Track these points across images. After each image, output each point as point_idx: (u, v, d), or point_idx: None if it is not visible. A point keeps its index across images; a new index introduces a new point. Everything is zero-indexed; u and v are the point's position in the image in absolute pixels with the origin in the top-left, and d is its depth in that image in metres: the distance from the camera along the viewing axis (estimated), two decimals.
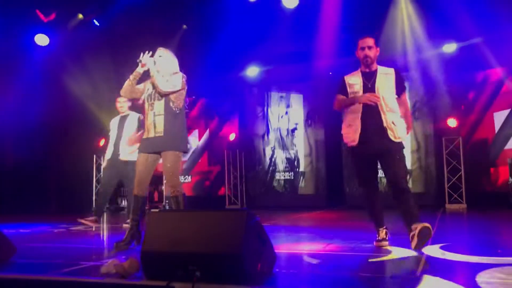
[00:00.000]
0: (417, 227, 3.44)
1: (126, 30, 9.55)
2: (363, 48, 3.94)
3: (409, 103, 3.97)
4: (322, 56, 8.59)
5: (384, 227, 3.93)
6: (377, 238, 3.89)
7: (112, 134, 5.90)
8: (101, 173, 10.63)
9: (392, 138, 3.76)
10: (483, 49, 8.10)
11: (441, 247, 3.63)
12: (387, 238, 3.88)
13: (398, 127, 3.80)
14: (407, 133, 3.95)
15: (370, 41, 3.96)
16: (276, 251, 2.92)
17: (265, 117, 10.26)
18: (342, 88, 4.05)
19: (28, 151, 9.05)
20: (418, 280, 2.60)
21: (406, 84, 4.21)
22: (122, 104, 5.93)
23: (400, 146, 3.82)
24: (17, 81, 4.54)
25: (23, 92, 4.92)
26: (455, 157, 8.38)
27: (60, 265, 3.25)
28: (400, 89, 3.94)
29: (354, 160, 4.02)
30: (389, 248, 3.71)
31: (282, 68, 9.56)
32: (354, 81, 3.98)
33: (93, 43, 9.51)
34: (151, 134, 3.95)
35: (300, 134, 9.90)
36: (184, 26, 10.14)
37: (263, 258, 2.65)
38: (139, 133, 5.57)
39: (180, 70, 4.14)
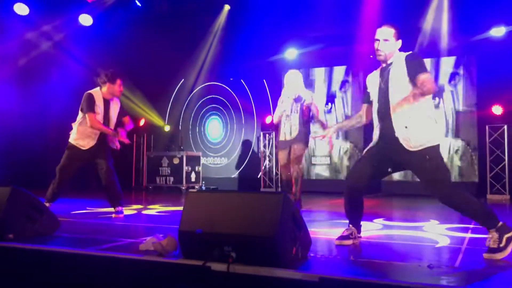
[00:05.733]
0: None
1: (168, 12, 9.63)
2: (376, 40, 3.18)
3: (432, 83, 2.97)
4: (363, 39, 8.38)
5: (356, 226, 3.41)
6: (343, 234, 3.37)
7: None
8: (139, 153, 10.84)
9: (406, 147, 3.01)
10: None
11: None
12: (352, 236, 3.34)
13: (412, 131, 3.01)
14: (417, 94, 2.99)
15: (387, 32, 3.16)
16: (311, 236, 2.92)
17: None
18: (366, 92, 3.43)
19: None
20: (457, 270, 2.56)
21: (422, 63, 3.07)
22: None
23: (420, 155, 2.99)
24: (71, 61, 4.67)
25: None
26: (499, 146, 8.09)
27: (100, 240, 3.35)
28: (413, 72, 3.01)
29: (365, 155, 3.33)
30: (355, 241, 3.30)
31: (321, 50, 9.37)
32: (372, 82, 3.33)
33: (134, 24, 9.63)
34: (288, 137, 5.64)
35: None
36: (227, 6, 10.01)
37: (298, 242, 2.66)
38: None
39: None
